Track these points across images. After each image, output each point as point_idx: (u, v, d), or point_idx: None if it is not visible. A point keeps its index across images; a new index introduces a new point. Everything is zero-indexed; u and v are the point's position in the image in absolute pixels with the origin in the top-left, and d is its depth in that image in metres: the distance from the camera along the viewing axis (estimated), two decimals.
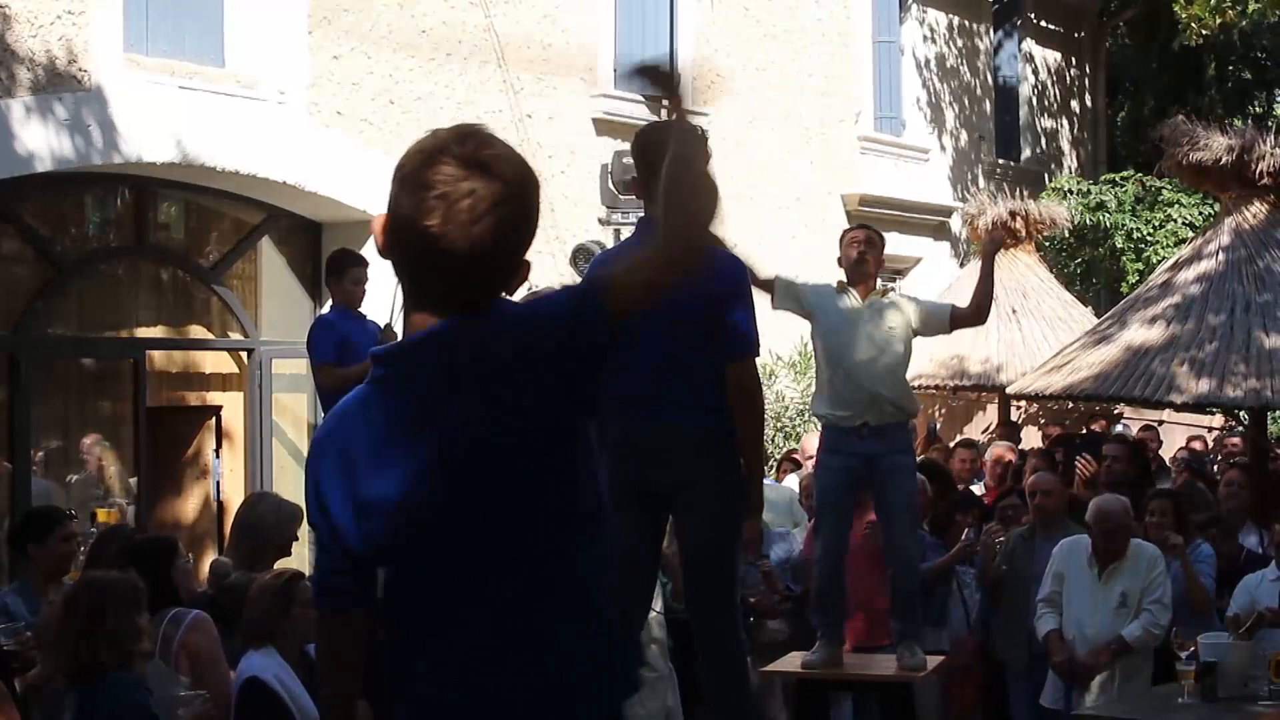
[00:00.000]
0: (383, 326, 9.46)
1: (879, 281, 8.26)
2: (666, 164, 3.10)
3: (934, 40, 22.13)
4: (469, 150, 2.91)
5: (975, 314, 8.38)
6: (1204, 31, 20.85)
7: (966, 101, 22.64)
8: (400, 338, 3.07)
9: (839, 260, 8.27)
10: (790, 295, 8.06)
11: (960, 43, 22.54)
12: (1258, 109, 29.53)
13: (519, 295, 3.20)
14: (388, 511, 2.94)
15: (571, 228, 14.22)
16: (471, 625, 2.95)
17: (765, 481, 10.67)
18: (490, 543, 2.94)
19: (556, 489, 2.99)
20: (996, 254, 8.83)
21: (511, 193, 2.93)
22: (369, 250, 12.69)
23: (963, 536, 9.52)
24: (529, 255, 3.08)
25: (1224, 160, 12.82)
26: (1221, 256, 13.06)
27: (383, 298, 9.77)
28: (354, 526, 2.98)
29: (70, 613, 5.67)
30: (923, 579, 8.93)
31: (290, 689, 6.06)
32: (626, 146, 15.05)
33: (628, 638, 3.25)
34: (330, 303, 10.13)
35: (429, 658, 2.98)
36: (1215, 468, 13.77)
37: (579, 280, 3.19)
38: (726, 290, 5.95)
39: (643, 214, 6.27)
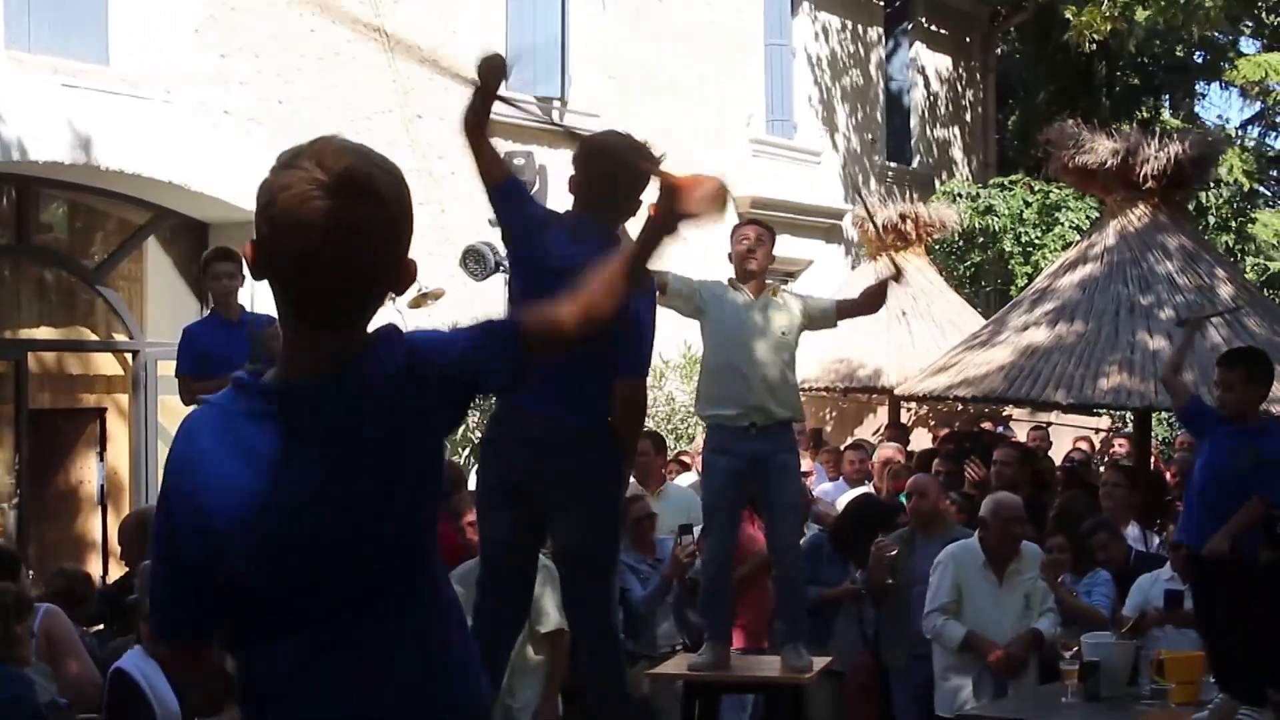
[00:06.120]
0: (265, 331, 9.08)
1: (769, 280, 8.22)
2: (613, 264, 3.30)
3: (825, 43, 22.24)
4: (324, 161, 2.83)
5: (865, 307, 8.42)
6: (1095, 37, 21.10)
7: (858, 105, 22.77)
8: (277, 351, 2.99)
9: (729, 256, 8.24)
10: (680, 293, 7.99)
11: (851, 46, 22.67)
12: (1145, 114, 29.89)
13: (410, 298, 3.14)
14: (249, 549, 2.85)
15: (461, 229, 14.15)
16: (325, 667, 2.90)
17: (674, 484, 10.73)
18: (351, 584, 2.88)
19: (420, 524, 2.96)
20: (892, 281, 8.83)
21: (373, 197, 2.84)
22: None
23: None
24: (415, 256, 3.00)
25: (1109, 163, 12.97)
26: (1106, 259, 13.22)
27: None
28: (210, 559, 2.87)
29: None
30: (813, 600, 8.98)
31: (153, 683, 6.23)
32: (516, 148, 15.03)
33: (485, 666, 3.20)
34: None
35: (280, 698, 2.92)
36: (1101, 470, 13.89)
37: (487, 321, 3.10)
38: (638, 305, 5.94)
39: (571, 209, 6.23)
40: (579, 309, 3.15)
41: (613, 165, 6.00)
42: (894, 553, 9.04)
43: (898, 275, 8.60)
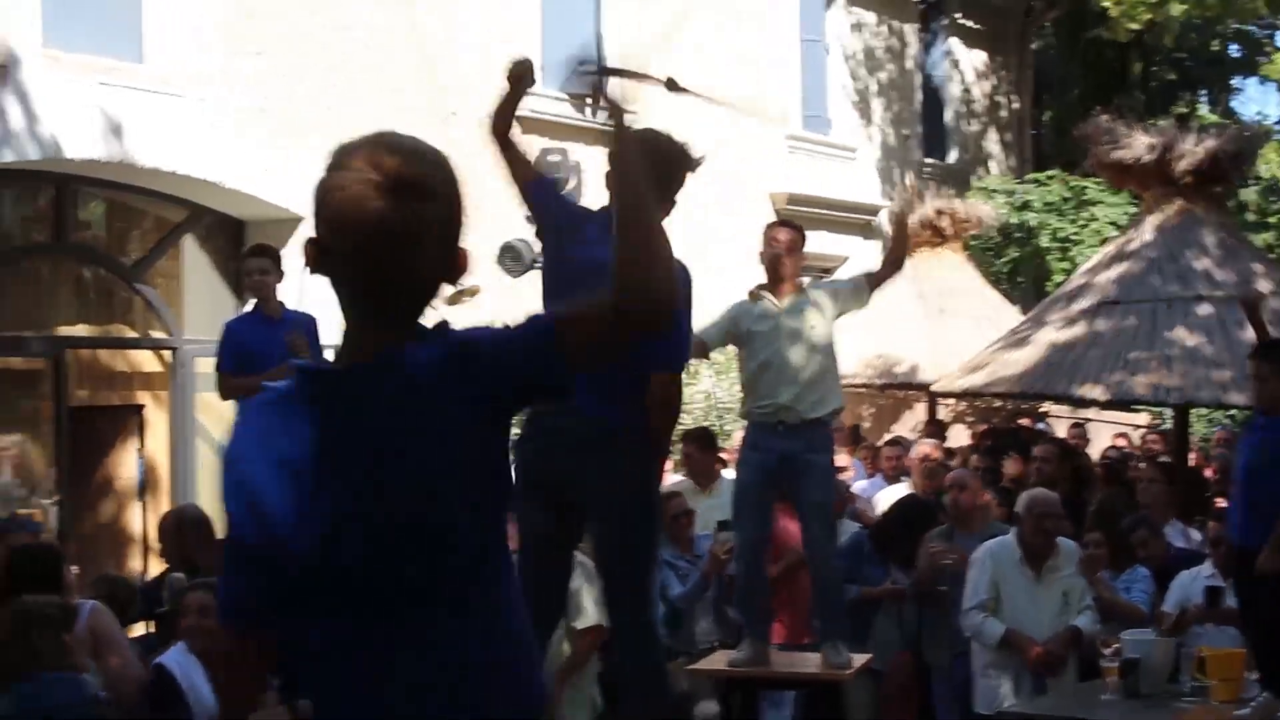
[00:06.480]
0: (287, 336, 9.01)
1: (799, 280, 8.22)
2: (617, 194, 3.12)
3: (860, 39, 22.20)
4: (378, 161, 2.83)
5: (891, 269, 8.41)
6: (1133, 26, 21.00)
7: (893, 100, 22.72)
8: (332, 346, 3.01)
9: (760, 256, 8.25)
10: (720, 340, 8.15)
11: (886, 42, 22.62)
12: (1182, 109, 29.78)
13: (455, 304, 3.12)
14: (315, 526, 2.87)
15: (498, 226, 14.16)
16: (385, 653, 2.91)
17: (727, 480, 10.72)
18: (411, 571, 2.89)
19: (476, 514, 2.95)
20: (907, 222, 8.82)
21: (427, 197, 2.85)
22: (292, 247, 12.61)
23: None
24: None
25: (1145, 159, 12.93)
26: (1143, 254, 13.17)
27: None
28: (280, 536, 2.89)
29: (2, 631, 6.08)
30: (853, 598, 8.98)
31: (192, 679, 6.38)
32: (553, 145, 15.06)
33: (540, 657, 3.21)
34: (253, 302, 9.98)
35: (339, 683, 2.94)
36: (1143, 465, 13.85)
37: (531, 317, 3.06)
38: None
39: (607, 205, 6.22)
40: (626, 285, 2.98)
41: (649, 160, 5.99)
42: (950, 560, 8.94)
43: (911, 205, 8.65)
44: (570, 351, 2.93)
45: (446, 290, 3.01)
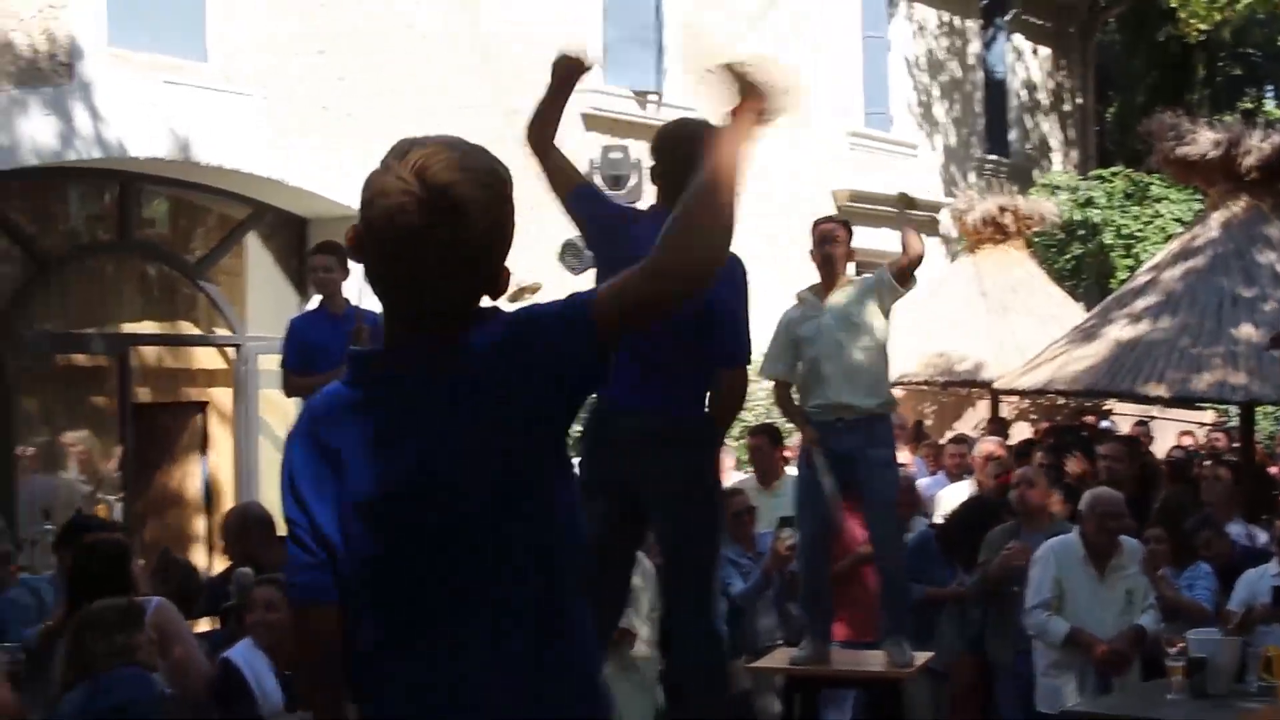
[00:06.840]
0: (352, 330, 8.99)
1: (847, 276, 8.21)
2: (702, 178, 3.01)
3: (922, 36, 22.11)
4: (426, 173, 2.83)
5: (914, 261, 8.35)
6: (1202, 27, 20.84)
7: (955, 97, 22.63)
8: (376, 342, 3.01)
9: (810, 254, 8.24)
10: (786, 367, 8.18)
11: (949, 38, 22.53)
12: (1248, 104, 29.53)
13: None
14: (365, 520, 2.89)
15: (558, 224, 14.15)
16: (441, 644, 2.90)
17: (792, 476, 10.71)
18: (467, 561, 2.88)
19: (534, 505, 2.94)
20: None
21: (466, 217, 2.84)
22: None
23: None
24: (512, 249, 3.00)
25: (1211, 155, 12.82)
26: (1208, 251, 13.06)
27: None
28: (333, 526, 2.92)
29: (67, 635, 6.21)
30: (917, 598, 8.95)
31: (259, 675, 6.48)
32: (614, 142, 15.03)
33: (601, 660, 3.18)
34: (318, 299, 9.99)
35: (394, 674, 2.93)
36: (1207, 463, 13.74)
37: (575, 293, 3.05)
38: (726, 293, 5.90)
39: (654, 203, 6.19)
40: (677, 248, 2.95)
41: (689, 151, 5.96)
42: (1023, 562, 8.85)
43: (908, 204, 8.65)
44: (608, 320, 2.91)
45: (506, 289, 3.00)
